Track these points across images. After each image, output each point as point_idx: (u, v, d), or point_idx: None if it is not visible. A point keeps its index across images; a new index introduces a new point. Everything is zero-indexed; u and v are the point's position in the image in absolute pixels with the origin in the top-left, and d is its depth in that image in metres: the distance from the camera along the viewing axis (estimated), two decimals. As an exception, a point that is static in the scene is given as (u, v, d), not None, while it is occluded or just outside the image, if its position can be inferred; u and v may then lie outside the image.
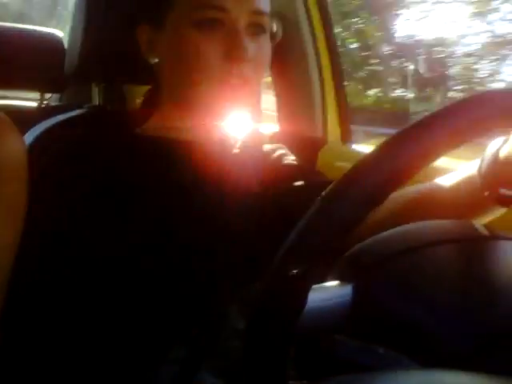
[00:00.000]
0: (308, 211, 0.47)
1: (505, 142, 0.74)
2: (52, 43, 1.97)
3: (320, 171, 1.09)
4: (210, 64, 0.89)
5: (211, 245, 0.90)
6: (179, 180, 0.94)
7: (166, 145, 0.97)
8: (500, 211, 0.82)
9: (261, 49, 0.93)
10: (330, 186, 0.47)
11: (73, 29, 1.27)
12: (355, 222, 0.46)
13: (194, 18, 0.89)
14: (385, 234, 0.56)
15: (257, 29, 0.93)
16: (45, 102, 2.16)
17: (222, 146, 1.01)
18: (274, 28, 1.43)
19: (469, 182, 0.82)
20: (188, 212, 0.91)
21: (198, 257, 0.89)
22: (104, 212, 0.89)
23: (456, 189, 0.85)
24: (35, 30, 2.13)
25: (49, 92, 2.18)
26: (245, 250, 0.92)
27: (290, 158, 1.07)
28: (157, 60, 0.98)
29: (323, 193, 0.47)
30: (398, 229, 0.57)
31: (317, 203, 0.47)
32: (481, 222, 0.81)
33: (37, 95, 2.15)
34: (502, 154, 0.74)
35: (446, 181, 0.87)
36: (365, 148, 1.51)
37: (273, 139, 1.54)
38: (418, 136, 0.46)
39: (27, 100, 2.32)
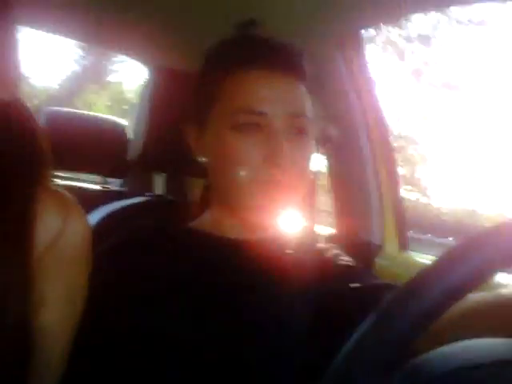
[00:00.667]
0: (366, 321, 0.46)
1: None
2: (116, 131, 2.06)
3: (376, 274, 1.06)
4: (250, 166, 0.90)
5: (268, 342, 0.88)
6: (231, 279, 0.94)
7: (218, 242, 0.98)
8: None
9: (301, 150, 0.94)
10: (388, 298, 0.46)
11: (137, 119, 1.32)
12: (413, 336, 0.45)
13: (231, 122, 0.91)
14: (446, 348, 0.54)
15: (296, 130, 0.93)
16: (107, 186, 2.23)
17: (275, 244, 1.01)
18: (330, 131, 1.46)
19: None
20: (241, 310, 0.90)
21: (258, 353, 0.87)
22: (158, 306, 0.88)
23: None
24: (101, 118, 2.23)
25: (111, 177, 2.25)
26: (300, 349, 0.90)
27: (345, 259, 1.05)
28: (204, 159, 1.00)
29: (382, 303, 0.46)
30: (461, 343, 0.55)
31: (375, 314, 0.46)
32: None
33: (100, 178, 2.23)
34: None
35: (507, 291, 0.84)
36: (422, 257, 1.48)
37: (328, 241, 1.53)
38: (480, 250, 0.45)
39: (90, 182, 2.40)
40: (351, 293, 0.95)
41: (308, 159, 0.96)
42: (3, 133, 0.77)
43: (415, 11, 1.36)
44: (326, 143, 1.00)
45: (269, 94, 0.91)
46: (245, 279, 0.94)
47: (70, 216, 0.80)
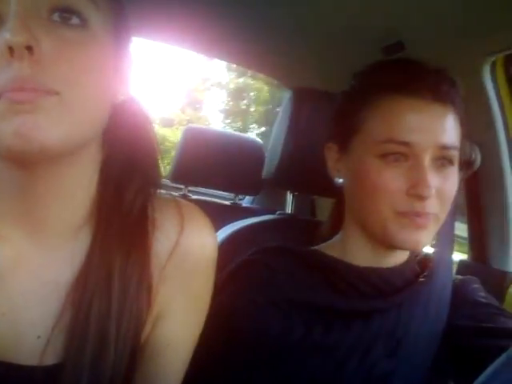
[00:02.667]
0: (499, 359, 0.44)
1: None
2: (253, 150, 2.11)
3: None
4: (391, 196, 0.87)
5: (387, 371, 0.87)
6: (356, 307, 0.93)
7: (345, 269, 0.96)
8: None
9: (446, 182, 0.90)
10: None
11: (274, 139, 1.35)
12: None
13: (377, 151, 0.89)
14: None
15: (443, 162, 0.90)
16: (238, 203, 2.29)
17: (406, 272, 0.98)
18: (473, 156, 1.40)
19: None
20: (373, 341, 0.89)
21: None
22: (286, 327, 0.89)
23: None
24: (239, 136, 2.30)
25: (244, 194, 2.31)
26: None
27: (481, 295, 1.00)
28: (341, 180, 0.99)
29: None
30: None
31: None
32: None
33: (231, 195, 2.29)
34: None
35: None
36: None
37: (461, 268, 1.47)
38: None
39: (220, 198, 2.47)
40: (481, 333, 0.90)
41: (453, 191, 0.92)
42: (118, 128, 0.76)
43: None
44: (466, 167, 0.95)
45: (419, 125, 0.88)
46: (370, 307, 0.92)
47: (186, 225, 0.79)
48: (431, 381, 0.88)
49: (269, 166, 1.32)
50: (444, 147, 0.89)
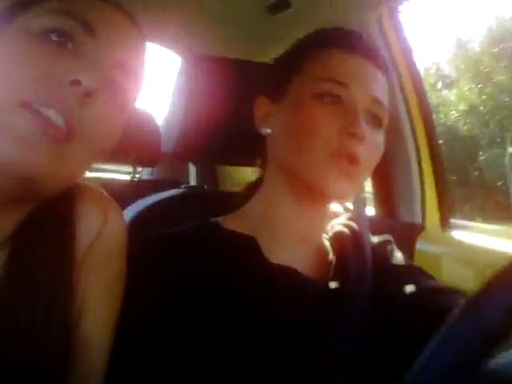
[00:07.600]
0: (451, 315, 0.43)
1: None
2: (146, 120, 2.05)
3: (430, 274, 0.99)
4: (325, 135, 0.87)
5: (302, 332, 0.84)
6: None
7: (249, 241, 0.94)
8: None
9: (374, 141, 0.91)
10: (478, 289, 0.43)
11: (170, 111, 1.29)
12: (505, 333, 0.41)
13: (314, 90, 0.90)
14: None
15: (374, 120, 0.92)
16: (137, 176, 2.22)
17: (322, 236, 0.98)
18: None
19: None
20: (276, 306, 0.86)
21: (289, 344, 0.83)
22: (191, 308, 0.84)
23: None
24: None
25: (142, 166, 2.24)
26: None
27: (399, 256, 1.02)
28: (269, 131, 0.98)
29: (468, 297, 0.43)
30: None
31: (461, 307, 0.43)
32: None
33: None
34: None
35: None
36: (465, 236, 1.44)
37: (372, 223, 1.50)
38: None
39: (118, 172, 2.39)
40: (408, 299, 0.89)
41: (379, 153, 0.94)
42: None
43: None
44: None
45: (357, 74, 0.91)
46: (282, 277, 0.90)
47: (109, 216, 0.79)
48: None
49: (168, 140, 1.27)
50: (377, 101, 0.92)
